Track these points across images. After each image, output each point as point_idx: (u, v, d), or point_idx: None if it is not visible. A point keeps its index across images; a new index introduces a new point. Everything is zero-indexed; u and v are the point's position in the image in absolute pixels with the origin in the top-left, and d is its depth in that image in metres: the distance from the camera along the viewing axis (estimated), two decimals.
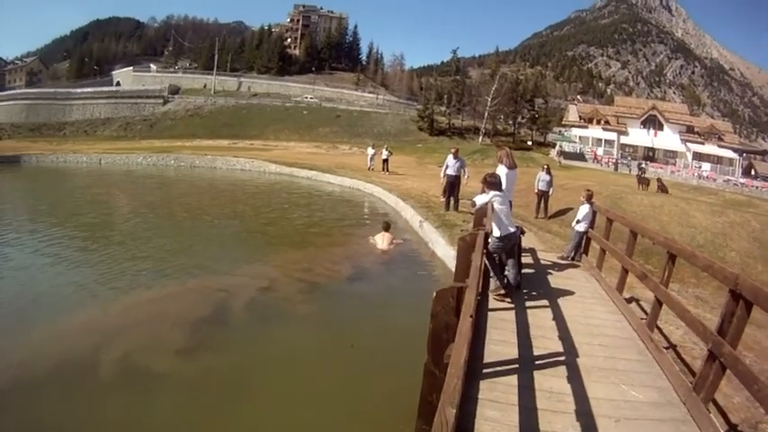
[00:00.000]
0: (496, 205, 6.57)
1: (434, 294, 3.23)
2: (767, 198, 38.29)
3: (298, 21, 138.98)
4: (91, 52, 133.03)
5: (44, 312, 8.19)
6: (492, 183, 6.82)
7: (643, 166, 43.52)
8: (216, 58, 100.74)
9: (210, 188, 26.32)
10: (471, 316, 2.88)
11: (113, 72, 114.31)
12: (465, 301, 3.08)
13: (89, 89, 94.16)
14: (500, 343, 5.18)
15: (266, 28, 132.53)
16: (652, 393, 4.50)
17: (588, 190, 9.82)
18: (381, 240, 12.96)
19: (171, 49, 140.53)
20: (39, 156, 36.52)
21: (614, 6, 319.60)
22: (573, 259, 9.45)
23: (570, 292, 7.26)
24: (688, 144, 59.01)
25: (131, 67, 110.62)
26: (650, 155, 58.22)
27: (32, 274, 10.20)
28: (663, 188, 27.64)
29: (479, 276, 4.48)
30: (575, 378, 4.55)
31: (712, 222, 13.94)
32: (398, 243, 13.30)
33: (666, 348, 5.69)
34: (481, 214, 6.53)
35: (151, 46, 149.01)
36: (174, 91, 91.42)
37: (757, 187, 48.35)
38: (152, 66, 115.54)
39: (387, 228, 13.36)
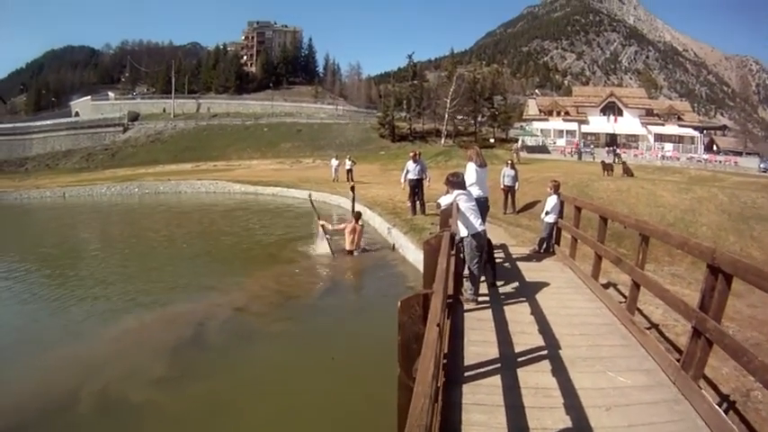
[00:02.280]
0: (462, 204, 6.38)
1: (399, 304, 3.03)
2: (731, 171, 39.22)
3: (252, 38, 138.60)
4: (47, 84, 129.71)
5: (22, 352, 7.96)
6: (455, 182, 6.62)
7: (618, 152, 44.01)
8: (173, 81, 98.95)
9: (176, 213, 25.70)
10: (438, 325, 2.68)
11: (71, 102, 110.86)
12: (431, 309, 2.88)
13: (48, 121, 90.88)
14: (479, 343, 5.04)
15: (221, 47, 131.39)
16: (640, 377, 4.41)
17: (554, 181, 9.82)
18: (350, 239, 12.87)
19: (127, 75, 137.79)
20: (1, 194, 35.91)
21: None
22: (545, 251, 9.42)
23: (546, 284, 7.19)
24: (648, 127, 60.07)
25: (89, 97, 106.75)
26: (614, 141, 58.98)
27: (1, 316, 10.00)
28: (628, 171, 28.03)
29: (446, 280, 4.30)
30: (559, 371, 4.43)
31: (680, 200, 14.07)
32: (366, 248, 13.34)
33: (648, 329, 5.63)
34: (447, 215, 6.36)
35: (108, 73, 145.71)
36: (134, 117, 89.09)
37: (720, 162, 49.30)
38: (110, 93, 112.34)
39: (358, 217, 13.31)
